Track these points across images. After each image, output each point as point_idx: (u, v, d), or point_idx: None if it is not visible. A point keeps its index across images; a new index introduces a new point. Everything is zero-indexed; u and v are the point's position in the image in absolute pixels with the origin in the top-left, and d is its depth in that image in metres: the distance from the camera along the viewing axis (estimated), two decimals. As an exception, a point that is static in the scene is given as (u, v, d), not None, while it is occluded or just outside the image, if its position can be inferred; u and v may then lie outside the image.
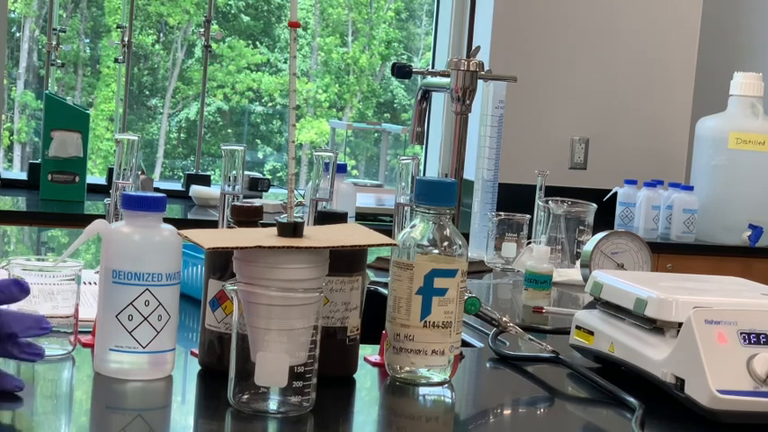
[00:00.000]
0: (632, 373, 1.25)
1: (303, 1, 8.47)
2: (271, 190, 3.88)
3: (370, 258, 2.06)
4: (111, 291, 1.13)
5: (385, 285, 1.42)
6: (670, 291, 1.22)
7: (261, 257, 1.03)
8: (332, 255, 1.08)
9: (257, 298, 1.03)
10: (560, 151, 4.22)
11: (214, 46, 4.08)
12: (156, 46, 8.84)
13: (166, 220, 1.16)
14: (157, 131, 8.76)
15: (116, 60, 3.97)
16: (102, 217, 1.33)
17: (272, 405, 1.06)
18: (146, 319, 1.13)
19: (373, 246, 1.12)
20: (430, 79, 2.36)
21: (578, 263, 2.09)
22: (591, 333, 1.34)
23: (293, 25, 1.08)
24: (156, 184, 3.85)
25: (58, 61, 3.95)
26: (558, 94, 4.20)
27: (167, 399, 1.15)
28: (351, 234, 1.15)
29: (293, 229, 1.05)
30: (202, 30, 3.91)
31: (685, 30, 4.30)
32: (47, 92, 3.65)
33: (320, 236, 1.08)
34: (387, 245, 1.14)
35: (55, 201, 3.39)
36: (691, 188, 3.70)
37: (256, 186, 3.76)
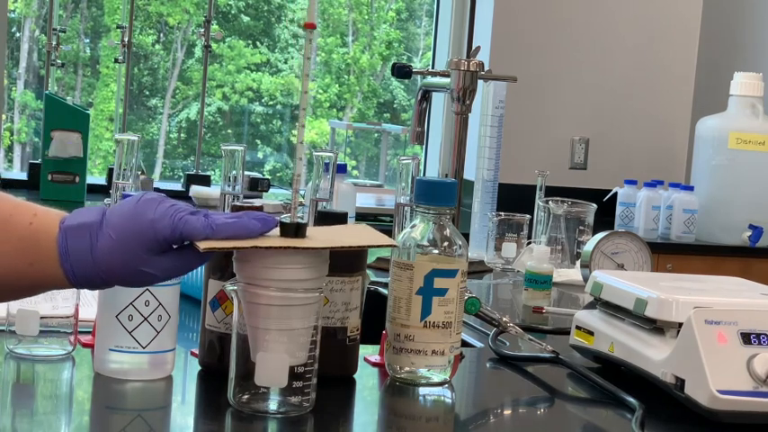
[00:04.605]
0: (632, 373, 1.25)
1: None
2: (271, 190, 3.88)
3: (371, 258, 2.06)
4: (111, 291, 1.13)
5: (385, 285, 1.42)
6: (670, 291, 1.22)
7: (261, 258, 1.03)
8: (332, 255, 1.08)
9: (257, 298, 1.03)
10: (560, 151, 4.22)
11: (214, 46, 4.08)
12: (156, 46, 8.84)
13: (166, 220, 1.16)
14: (157, 131, 8.76)
15: (116, 60, 3.97)
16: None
17: (273, 405, 1.06)
18: (146, 319, 1.13)
19: (373, 246, 1.12)
20: (430, 79, 2.36)
21: (578, 263, 2.09)
22: (591, 333, 1.34)
23: (309, 26, 1.07)
24: (156, 185, 3.85)
25: (58, 61, 3.95)
26: (558, 94, 4.20)
27: (167, 399, 1.15)
28: (354, 234, 1.14)
29: (295, 230, 1.05)
30: (202, 30, 3.91)
31: (685, 30, 4.30)
32: (47, 92, 3.65)
33: (321, 236, 1.08)
34: (387, 246, 1.14)
35: (55, 201, 3.39)
36: (691, 188, 3.70)
37: (256, 186, 3.76)
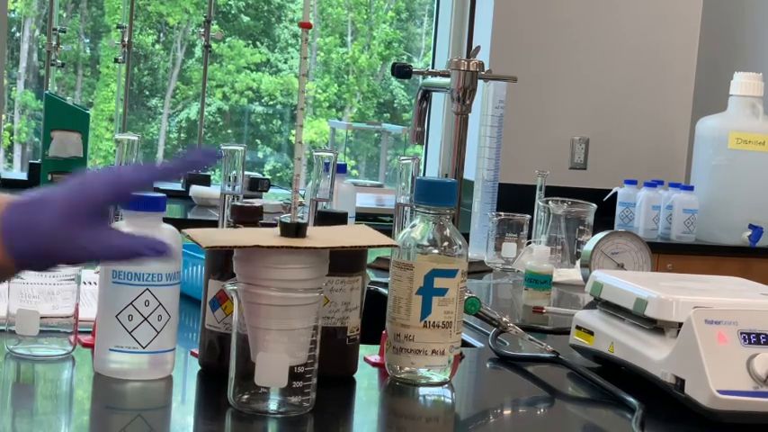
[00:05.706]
0: (632, 373, 1.25)
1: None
2: (271, 190, 3.88)
3: (371, 258, 2.06)
4: (111, 291, 1.13)
5: (385, 285, 1.42)
6: (670, 291, 1.22)
7: (261, 257, 1.03)
8: (332, 255, 1.08)
9: (257, 298, 1.03)
10: (560, 151, 4.21)
11: (214, 46, 4.08)
12: (156, 46, 8.85)
13: (166, 220, 1.16)
14: (157, 131, 8.77)
15: (116, 60, 3.97)
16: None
17: (273, 405, 1.06)
18: (146, 319, 1.13)
19: (373, 246, 1.12)
20: (430, 79, 2.36)
21: (578, 263, 2.09)
22: (591, 333, 1.34)
23: (304, 26, 1.07)
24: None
25: (58, 61, 3.95)
26: (558, 94, 4.20)
27: (167, 399, 1.15)
28: (354, 234, 1.14)
29: (296, 230, 1.05)
30: (202, 30, 3.91)
31: (685, 29, 4.30)
32: (47, 92, 3.65)
33: (321, 236, 1.08)
34: (387, 246, 1.14)
35: (55, 201, 3.38)
36: (691, 188, 3.70)
37: (256, 186, 3.76)
